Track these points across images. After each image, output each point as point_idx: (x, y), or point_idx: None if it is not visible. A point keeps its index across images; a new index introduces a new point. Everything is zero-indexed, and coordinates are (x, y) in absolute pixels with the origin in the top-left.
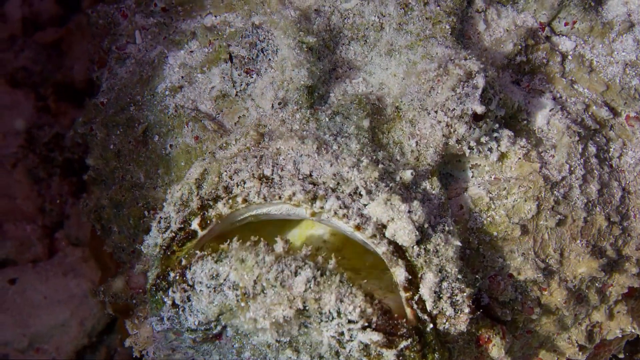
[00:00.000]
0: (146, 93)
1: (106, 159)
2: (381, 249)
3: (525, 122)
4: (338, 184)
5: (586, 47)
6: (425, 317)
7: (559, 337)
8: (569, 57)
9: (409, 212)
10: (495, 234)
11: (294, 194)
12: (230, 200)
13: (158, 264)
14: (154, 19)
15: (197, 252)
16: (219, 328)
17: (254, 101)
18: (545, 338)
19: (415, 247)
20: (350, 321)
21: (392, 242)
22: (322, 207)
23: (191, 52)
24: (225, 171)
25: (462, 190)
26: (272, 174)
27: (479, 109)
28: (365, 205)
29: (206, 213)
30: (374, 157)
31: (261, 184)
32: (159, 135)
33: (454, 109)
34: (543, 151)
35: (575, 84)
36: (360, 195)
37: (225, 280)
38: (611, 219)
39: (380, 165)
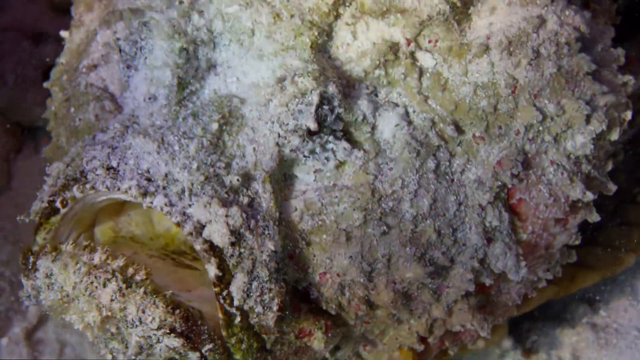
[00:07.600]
0: (74, 66)
1: (48, 114)
2: (197, 246)
3: (369, 134)
4: (168, 183)
5: (444, 65)
6: (233, 310)
7: (400, 327)
8: (427, 75)
9: (227, 216)
10: (324, 236)
11: (130, 187)
12: (81, 186)
13: (33, 232)
14: None
15: (48, 245)
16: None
17: (132, 93)
18: (385, 327)
19: (229, 248)
20: (151, 329)
21: (207, 241)
22: (151, 202)
23: (115, 32)
24: (85, 156)
25: (300, 193)
26: (117, 166)
27: (312, 125)
28: (190, 205)
29: (64, 194)
30: (208, 161)
31: (107, 174)
32: (74, 107)
33: (287, 124)
34: (383, 163)
35: (430, 99)
36: (185, 196)
37: (55, 280)
38: (442, 231)
39: (211, 169)
